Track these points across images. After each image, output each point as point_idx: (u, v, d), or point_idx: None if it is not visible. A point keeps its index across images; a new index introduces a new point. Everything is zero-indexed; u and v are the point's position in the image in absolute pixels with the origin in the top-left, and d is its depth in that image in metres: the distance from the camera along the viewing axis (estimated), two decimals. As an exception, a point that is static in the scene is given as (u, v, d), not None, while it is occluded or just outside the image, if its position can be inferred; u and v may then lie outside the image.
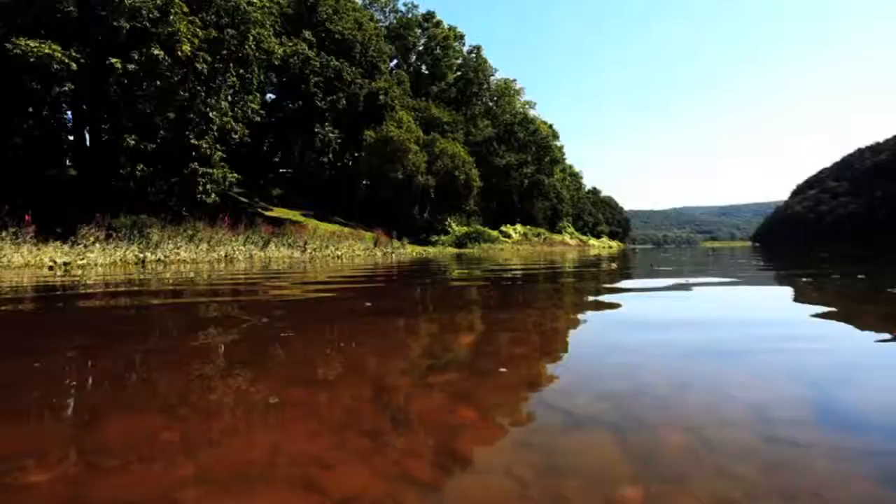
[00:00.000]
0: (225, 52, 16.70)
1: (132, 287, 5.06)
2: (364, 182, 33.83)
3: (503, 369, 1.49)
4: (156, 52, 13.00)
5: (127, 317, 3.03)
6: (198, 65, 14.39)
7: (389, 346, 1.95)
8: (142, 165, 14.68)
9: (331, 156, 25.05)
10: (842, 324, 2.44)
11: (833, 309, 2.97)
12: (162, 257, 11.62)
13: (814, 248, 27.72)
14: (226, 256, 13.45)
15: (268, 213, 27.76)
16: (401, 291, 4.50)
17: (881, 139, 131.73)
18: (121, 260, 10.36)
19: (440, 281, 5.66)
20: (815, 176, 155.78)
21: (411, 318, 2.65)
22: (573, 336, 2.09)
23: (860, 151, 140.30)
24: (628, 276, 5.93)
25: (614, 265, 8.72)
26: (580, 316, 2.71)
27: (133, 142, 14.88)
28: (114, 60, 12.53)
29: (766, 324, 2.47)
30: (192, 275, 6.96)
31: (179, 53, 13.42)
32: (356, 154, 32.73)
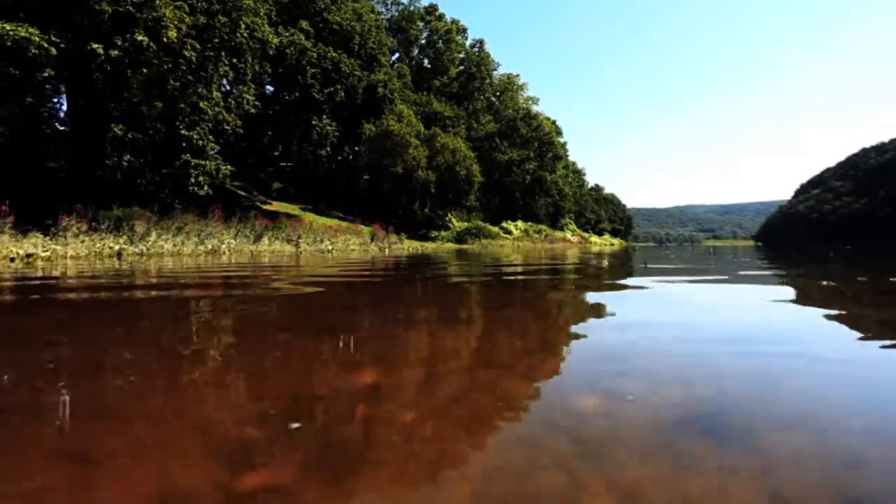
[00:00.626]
0: (217, 40, 16.09)
1: (50, 282, 4.49)
2: (365, 177, 33.24)
3: (373, 461, 0.88)
4: (140, 37, 12.40)
5: None
6: (186, 52, 13.77)
7: (250, 396, 1.34)
8: (129, 156, 14.13)
9: (328, 149, 24.41)
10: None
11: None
12: (144, 250, 11.09)
13: (820, 247, 26.95)
14: (211, 250, 12.90)
15: (266, 207, 27.31)
16: (347, 300, 3.90)
17: (886, 139, 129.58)
18: (96, 252, 9.82)
19: (414, 281, 5.05)
20: (818, 175, 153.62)
21: (314, 345, 2.03)
22: (513, 388, 1.46)
23: (865, 151, 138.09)
24: (618, 277, 5.30)
25: (605, 263, 8.08)
26: (538, 347, 2.09)
27: (120, 132, 14.32)
28: (95, 46, 11.94)
29: (781, 347, 1.84)
30: (152, 269, 6.39)
31: (165, 39, 12.79)
32: (356, 148, 32.11)
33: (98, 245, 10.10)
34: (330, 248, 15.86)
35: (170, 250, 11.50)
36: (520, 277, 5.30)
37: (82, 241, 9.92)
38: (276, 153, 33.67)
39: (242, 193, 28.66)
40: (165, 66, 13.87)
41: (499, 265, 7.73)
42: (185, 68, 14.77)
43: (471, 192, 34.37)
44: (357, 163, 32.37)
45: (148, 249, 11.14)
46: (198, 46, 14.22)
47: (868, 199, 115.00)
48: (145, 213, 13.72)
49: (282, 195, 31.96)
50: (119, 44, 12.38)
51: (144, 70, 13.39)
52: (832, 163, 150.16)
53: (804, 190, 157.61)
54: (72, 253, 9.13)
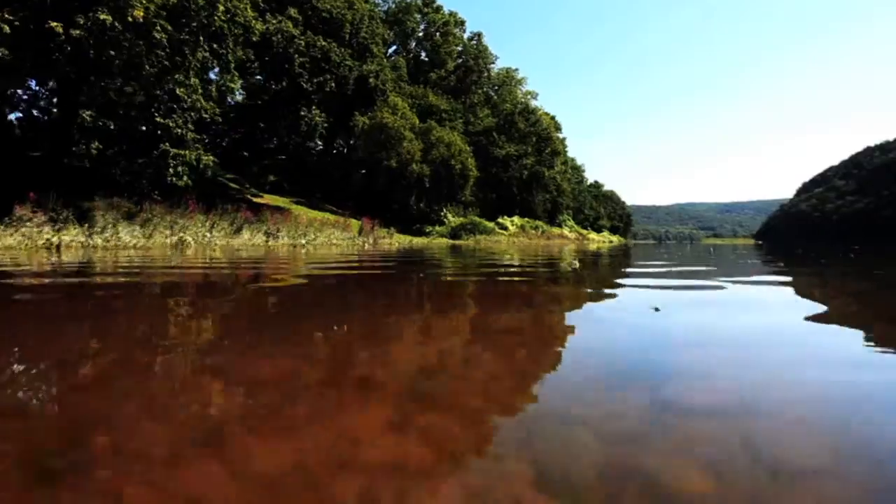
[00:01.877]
0: (195, 24, 15.17)
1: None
2: (362, 171, 32.36)
3: None
4: (103, 16, 11.49)
5: None
6: (156, 34, 12.84)
7: None
8: (97, 143, 13.27)
9: (318, 140, 23.51)
10: None
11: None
12: (101, 242, 10.27)
13: (827, 247, 25.87)
14: (177, 243, 12.09)
15: (256, 200, 26.60)
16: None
17: (891, 137, 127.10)
18: (39, 245, 9.01)
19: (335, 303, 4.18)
20: (821, 174, 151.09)
21: None
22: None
23: (869, 150, 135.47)
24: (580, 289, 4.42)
25: (576, 263, 7.14)
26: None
27: (90, 118, 13.47)
28: (54, 25, 11.05)
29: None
30: (63, 264, 5.56)
31: (130, 19, 11.88)
32: (351, 141, 31.20)
33: (44, 236, 9.28)
34: (303, 242, 15.00)
35: (128, 243, 10.67)
36: (458, 288, 4.42)
37: (20, 232, 9.10)
38: (272, 146, 32.81)
39: (234, 186, 27.89)
40: (136, 49, 12.96)
41: (462, 266, 6.86)
42: (161, 53, 13.88)
43: (466, 187, 33.41)
44: (352, 156, 31.48)
45: (106, 242, 10.32)
46: (169, 28, 13.29)
47: (871, 199, 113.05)
48: (114, 204, 12.91)
49: (276, 188, 31.18)
50: (81, 23, 11.48)
51: (112, 52, 12.50)
52: (835, 161, 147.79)
53: (806, 188, 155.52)
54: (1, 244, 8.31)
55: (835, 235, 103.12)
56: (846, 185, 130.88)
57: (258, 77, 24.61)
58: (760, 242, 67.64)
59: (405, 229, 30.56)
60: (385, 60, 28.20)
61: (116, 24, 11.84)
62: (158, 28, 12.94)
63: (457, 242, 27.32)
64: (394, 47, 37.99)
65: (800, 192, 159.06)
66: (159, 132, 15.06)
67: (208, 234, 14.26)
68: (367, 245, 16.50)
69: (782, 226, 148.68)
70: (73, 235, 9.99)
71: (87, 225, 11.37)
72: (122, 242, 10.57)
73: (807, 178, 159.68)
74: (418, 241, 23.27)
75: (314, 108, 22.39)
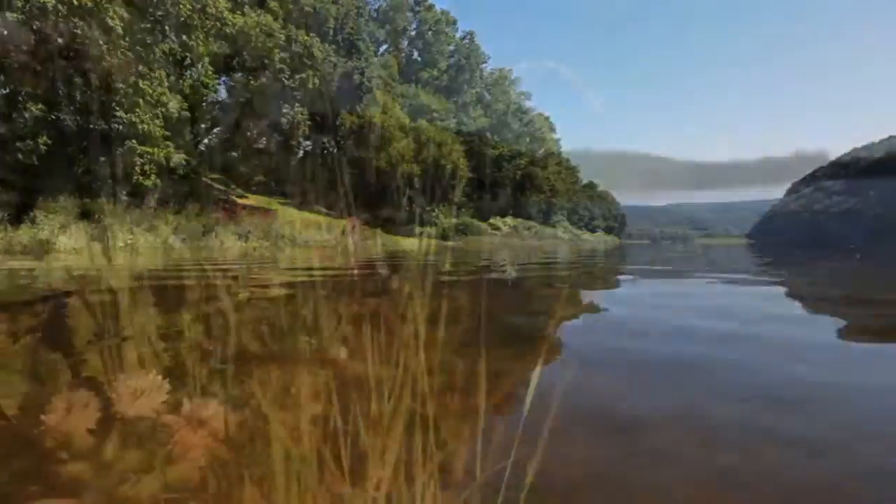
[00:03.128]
0: (160, 13, 13.89)
1: None
2: (354, 171, 31.10)
3: None
4: (43, -2, 10.18)
5: None
6: (109, 20, 11.52)
7: None
8: (45, 138, 11.93)
9: (304, 139, 22.22)
10: None
11: None
12: (24, 245, 8.98)
13: (824, 247, 24.71)
14: (126, 246, 10.80)
15: (241, 201, 25.25)
16: None
17: (877, 139, 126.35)
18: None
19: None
20: (810, 174, 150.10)
21: None
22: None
23: (855, 151, 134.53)
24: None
25: (513, 269, 5.82)
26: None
27: (40, 112, 12.13)
28: (-16, 6, 9.75)
29: None
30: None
31: (76, 2, 10.57)
32: (341, 142, 29.95)
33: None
34: (266, 244, 13.69)
35: (63, 247, 9.37)
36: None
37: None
38: (261, 146, 31.47)
39: (219, 187, 26.54)
40: (89, 37, 11.64)
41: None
42: (123, 43, 12.55)
43: (458, 187, 32.17)
44: (341, 156, 30.25)
45: (41, 244, 9.03)
46: (125, 16, 11.98)
47: (858, 199, 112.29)
48: (65, 205, 11.61)
49: (264, 189, 29.86)
50: (19, 5, 10.18)
51: (60, 41, 11.18)
52: (824, 162, 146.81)
53: (796, 189, 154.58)
54: None
55: (824, 234, 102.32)
56: (834, 185, 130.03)
57: (239, 74, 23.29)
58: (753, 242, 66.74)
59: (396, 230, 29.28)
60: (374, 57, 26.87)
61: (60, 7, 10.53)
62: (112, 14, 11.62)
63: (447, 244, 26.07)
64: (385, 46, 36.71)
65: (790, 192, 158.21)
66: (121, 128, 13.73)
67: (172, 237, 12.96)
68: (340, 247, 15.19)
69: (773, 226, 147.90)
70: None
71: (34, 228, 10.10)
72: (60, 247, 9.26)
73: (797, 179, 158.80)
74: (407, 243, 21.99)
75: (297, 105, 21.08)
